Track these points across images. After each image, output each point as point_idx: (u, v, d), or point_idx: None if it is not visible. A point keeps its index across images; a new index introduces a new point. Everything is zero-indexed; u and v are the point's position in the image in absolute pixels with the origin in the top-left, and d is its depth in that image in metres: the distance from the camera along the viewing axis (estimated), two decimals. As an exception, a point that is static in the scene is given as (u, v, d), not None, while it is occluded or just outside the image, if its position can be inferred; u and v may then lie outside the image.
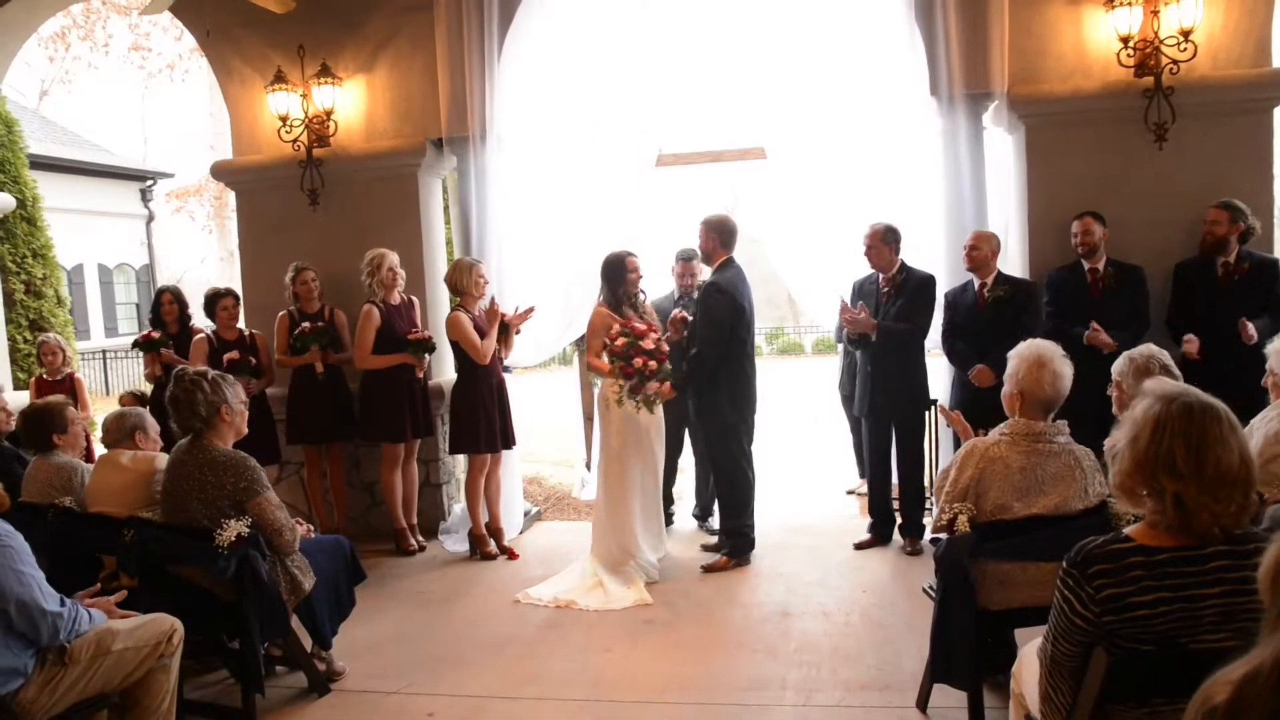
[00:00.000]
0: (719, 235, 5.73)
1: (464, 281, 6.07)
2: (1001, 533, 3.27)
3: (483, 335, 6.03)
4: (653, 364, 5.55)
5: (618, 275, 5.75)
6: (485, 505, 6.28)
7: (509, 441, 6.29)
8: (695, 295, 5.80)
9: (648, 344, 5.54)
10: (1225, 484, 2.06)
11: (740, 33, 6.39)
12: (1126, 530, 2.21)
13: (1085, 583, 2.13)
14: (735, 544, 5.80)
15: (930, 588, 3.70)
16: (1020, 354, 3.46)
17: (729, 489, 5.80)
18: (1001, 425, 3.50)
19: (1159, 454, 2.10)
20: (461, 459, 7.14)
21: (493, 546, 6.22)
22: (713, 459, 5.91)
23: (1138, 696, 2.13)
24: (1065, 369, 3.42)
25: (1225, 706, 1.42)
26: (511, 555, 6.19)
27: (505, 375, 6.36)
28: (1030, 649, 2.70)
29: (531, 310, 6.29)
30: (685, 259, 6.54)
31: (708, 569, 5.71)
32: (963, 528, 3.28)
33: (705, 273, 6.12)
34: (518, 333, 6.39)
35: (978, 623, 3.33)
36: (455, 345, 6.10)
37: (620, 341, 5.56)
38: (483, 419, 6.08)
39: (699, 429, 6.02)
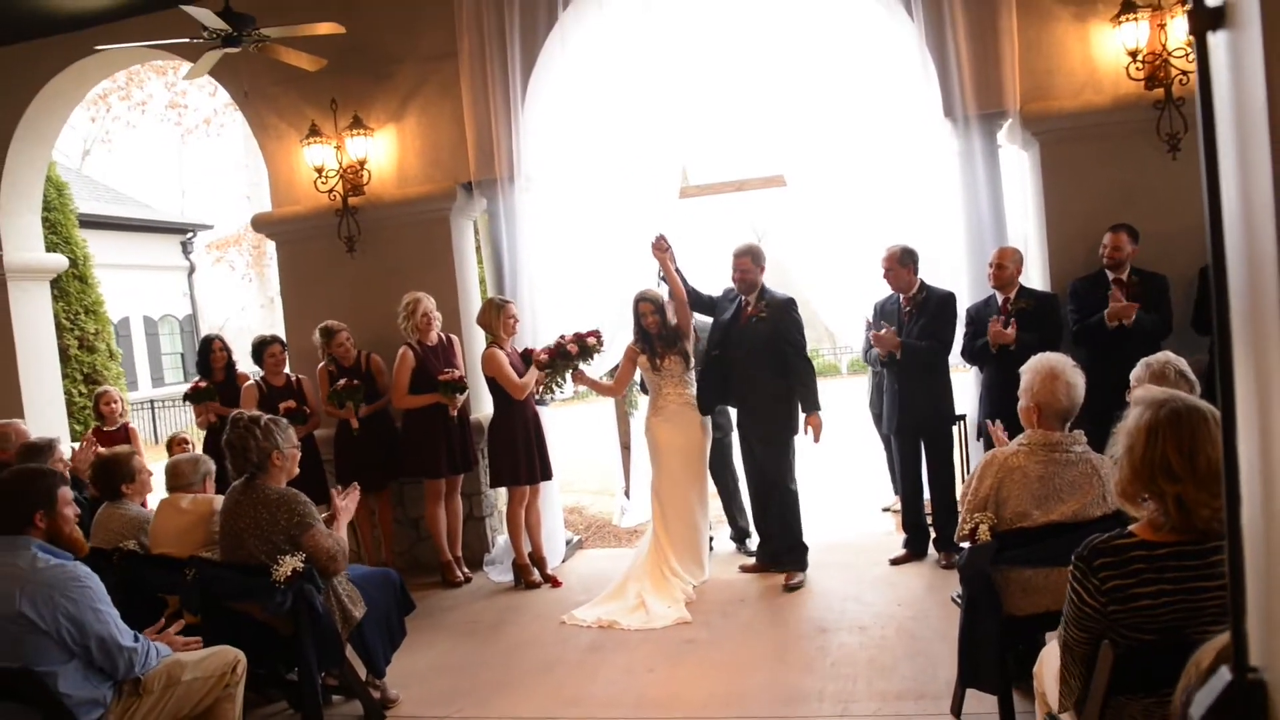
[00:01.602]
0: (765, 264, 6.02)
1: (494, 322, 6.31)
2: (1022, 540, 3.39)
3: (520, 372, 6.26)
4: (573, 347, 6.26)
5: (634, 315, 6.13)
6: (527, 535, 6.46)
7: (546, 473, 6.47)
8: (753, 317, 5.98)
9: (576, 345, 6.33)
10: (1219, 480, 2.18)
11: (758, 65, 6.58)
12: (1131, 527, 2.35)
13: (1092, 574, 2.27)
14: (800, 557, 5.95)
15: (957, 597, 3.81)
16: (1032, 368, 3.58)
17: (792, 502, 5.95)
18: (1020, 436, 3.63)
19: (1155, 460, 2.23)
20: (503, 492, 7.35)
21: (536, 575, 6.38)
22: (775, 475, 5.96)
23: (1145, 686, 2.25)
24: (1077, 379, 3.54)
25: (1209, 669, 1.57)
26: (555, 583, 6.35)
27: (540, 408, 6.56)
28: (1050, 649, 2.82)
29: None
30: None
31: (790, 589, 5.79)
32: (984, 536, 3.40)
33: None
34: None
35: (1003, 628, 3.44)
36: (491, 381, 6.31)
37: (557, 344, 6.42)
38: (521, 452, 6.28)
39: (760, 445, 6.02)
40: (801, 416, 5.91)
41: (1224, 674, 1.07)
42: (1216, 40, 0.98)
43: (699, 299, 6.33)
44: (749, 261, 5.96)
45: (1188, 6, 0.99)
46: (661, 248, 6.06)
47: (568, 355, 6.27)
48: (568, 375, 6.39)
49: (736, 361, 5.97)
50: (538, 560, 6.46)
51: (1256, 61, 0.88)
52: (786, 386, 5.88)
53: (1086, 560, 2.30)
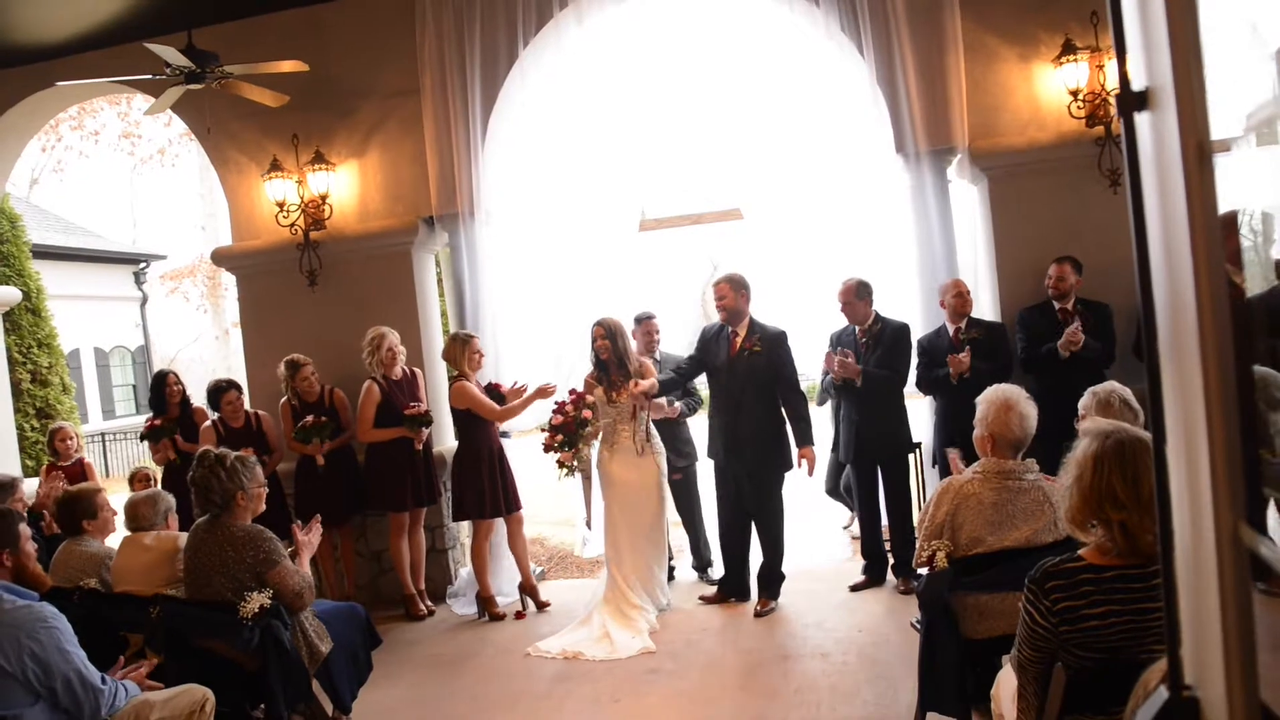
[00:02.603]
0: (748, 291, 6.03)
1: (460, 356, 6.33)
2: (978, 566, 3.50)
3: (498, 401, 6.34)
4: (587, 413, 6.12)
5: (590, 342, 6.15)
6: (515, 564, 6.49)
7: (510, 506, 6.45)
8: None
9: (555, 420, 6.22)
10: None
11: (715, 101, 6.77)
12: (1080, 551, 2.47)
13: (1043, 596, 2.39)
14: (778, 586, 6.04)
15: (916, 622, 3.91)
16: (988, 399, 3.72)
17: (779, 535, 6.03)
18: (975, 464, 3.75)
19: (1101, 488, 2.36)
20: (466, 525, 7.36)
21: (500, 608, 6.38)
22: (771, 508, 6.02)
23: (1096, 705, 2.36)
24: (1030, 410, 3.68)
25: (1154, 690, 1.67)
26: (542, 607, 6.40)
27: (503, 440, 6.58)
28: (1007, 671, 2.93)
29: (525, 388, 6.41)
30: (641, 319, 6.84)
31: (761, 615, 5.88)
32: (941, 563, 3.51)
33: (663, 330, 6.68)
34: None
35: (962, 652, 3.54)
36: (458, 415, 6.33)
37: (556, 419, 6.23)
38: (486, 485, 6.30)
39: (749, 480, 6.00)
40: (794, 450, 5.97)
41: (1162, 693, 1.16)
42: (1141, 119, 1.09)
43: (688, 372, 6.24)
44: (726, 287, 5.96)
45: (1116, 91, 1.10)
46: (641, 404, 6.02)
47: (585, 423, 6.17)
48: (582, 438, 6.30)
49: (724, 394, 5.97)
50: (529, 589, 6.46)
51: (1173, 138, 0.99)
52: (780, 421, 5.95)
53: (1039, 583, 2.42)
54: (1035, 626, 2.43)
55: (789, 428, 5.93)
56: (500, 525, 6.53)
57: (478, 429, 6.36)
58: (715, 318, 6.43)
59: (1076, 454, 2.44)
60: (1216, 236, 0.98)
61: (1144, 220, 1.12)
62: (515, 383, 6.45)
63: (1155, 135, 1.06)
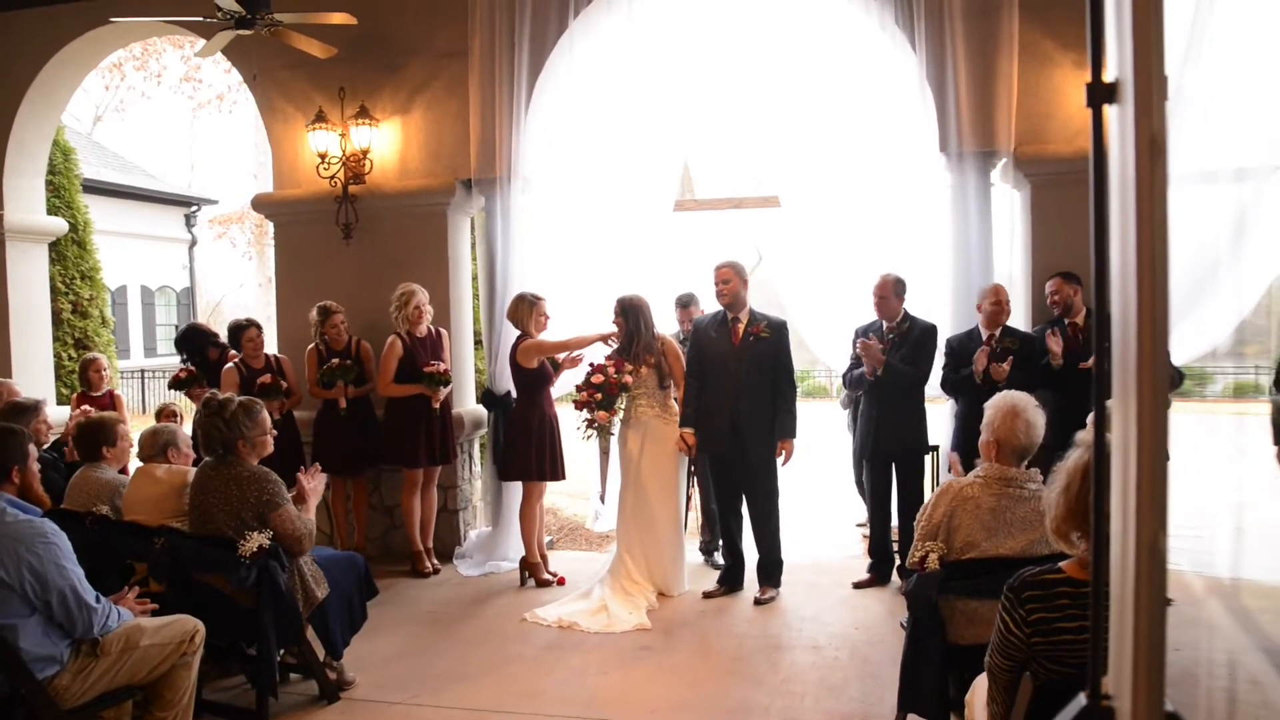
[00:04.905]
0: (747, 279, 6.01)
1: (526, 318, 6.33)
2: (970, 572, 3.46)
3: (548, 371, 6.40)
4: (598, 395, 5.99)
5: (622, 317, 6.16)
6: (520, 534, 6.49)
7: (559, 472, 6.45)
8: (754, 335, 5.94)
9: (596, 379, 6.04)
10: None
11: (760, 84, 6.68)
12: (1061, 564, 2.43)
13: (1019, 605, 2.36)
14: (778, 574, 6.03)
15: (904, 622, 3.88)
16: (995, 405, 3.67)
17: (777, 523, 6.03)
18: (977, 469, 3.71)
19: (1088, 499, 2.32)
20: (479, 486, 7.43)
21: (545, 574, 6.37)
22: (769, 494, 6.00)
23: (1060, 718, 2.33)
24: (1038, 418, 3.62)
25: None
26: (560, 581, 6.37)
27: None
28: (982, 678, 2.90)
29: (580, 360, 6.45)
30: (684, 305, 6.84)
31: (761, 603, 5.87)
32: (933, 565, 3.47)
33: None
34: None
35: (946, 656, 3.51)
36: (520, 376, 6.34)
37: (598, 378, 6.05)
38: (537, 449, 6.29)
39: (757, 466, 5.95)
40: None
41: (1080, 699, 1.14)
42: (1110, 113, 1.06)
43: (696, 372, 6.11)
44: (730, 271, 5.92)
45: (1088, 80, 1.07)
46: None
47: (625, 387, 6.06)
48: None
49: (727, 382, 5.88)
50: (530, 565, 6.42)
51: (1130, 133, 0.96)
52: (773, 408, 5.91)
53: (1016, 591, 2.40)
54: (1009, 635, 2.41)
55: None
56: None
57: (540, 393, 6.37)
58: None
59: (1067, 464, 2.41)
60: (1163, 241, 0.95)
61: (1105, 223, 1.09)
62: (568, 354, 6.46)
63: (1121, 129, 1.03)
